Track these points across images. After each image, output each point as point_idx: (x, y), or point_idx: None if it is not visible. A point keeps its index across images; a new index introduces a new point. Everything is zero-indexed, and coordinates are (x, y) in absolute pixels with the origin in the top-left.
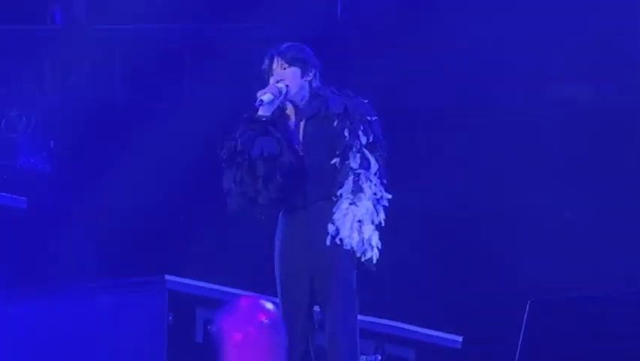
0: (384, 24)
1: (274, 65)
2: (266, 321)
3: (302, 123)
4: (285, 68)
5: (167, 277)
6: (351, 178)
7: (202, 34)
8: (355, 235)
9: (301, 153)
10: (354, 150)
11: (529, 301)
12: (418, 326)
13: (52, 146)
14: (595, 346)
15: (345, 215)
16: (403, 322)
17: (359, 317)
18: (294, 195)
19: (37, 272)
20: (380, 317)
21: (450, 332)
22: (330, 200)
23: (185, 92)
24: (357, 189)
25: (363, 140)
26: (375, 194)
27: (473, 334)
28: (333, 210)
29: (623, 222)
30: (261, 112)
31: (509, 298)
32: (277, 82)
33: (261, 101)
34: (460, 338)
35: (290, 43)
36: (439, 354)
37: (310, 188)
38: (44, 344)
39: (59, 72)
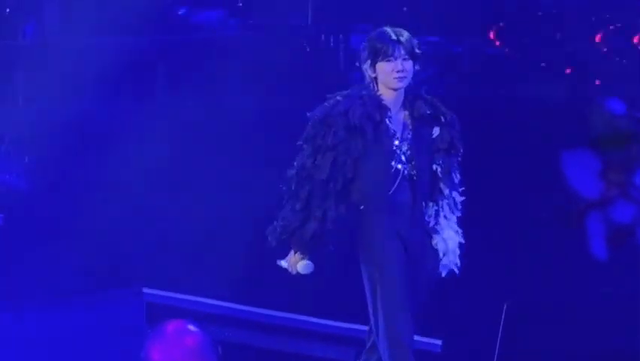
0: None
1: (397, 53)
2: (192, 345)
3: (408, 121)
4: (405, 60)
5: (144, 289)
6: (455, 194)
7: (174, 45)
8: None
9: (407, 152)
10: (457, 162)
11: (505, 304)
12: None
13: (26, 161)
14: (570, 347)
15: (452, 239)
16: None
17: (340, 324)
18: (402, 196)
19: (14, 287)
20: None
21: (430, 336)
22: (427, 201)
23: (159, 103)
24: (456, 208)
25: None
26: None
27: (453, 338)
28: (438, 224)
29: None
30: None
31: (487, 301)
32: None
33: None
34: (439, 342)
35: (408, 33)
36: (419, 358)
37: (417, 189)
38: (19, 359)
39: (32, 87)
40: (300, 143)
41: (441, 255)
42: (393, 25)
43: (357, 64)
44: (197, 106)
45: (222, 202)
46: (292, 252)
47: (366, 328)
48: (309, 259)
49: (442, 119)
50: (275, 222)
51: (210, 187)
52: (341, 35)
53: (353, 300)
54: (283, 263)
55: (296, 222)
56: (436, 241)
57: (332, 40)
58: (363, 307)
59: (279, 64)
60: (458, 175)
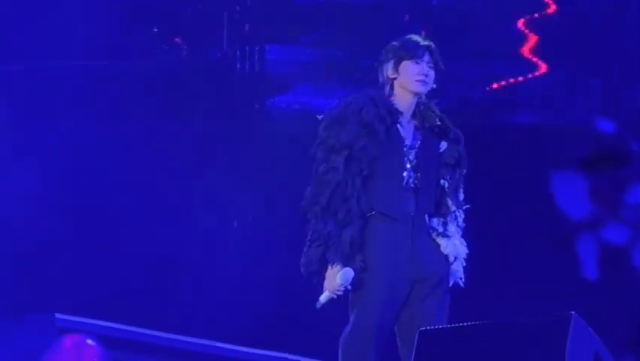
0: None
1: (425, 58)
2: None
3: (418, 131)
4: (430, 67)
5: (57, 315)
6: (460, 212)
7: (119, 70)
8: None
9: (413, 161)
10: (462, 180)
11: (418, 331)
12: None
13: None
14: None
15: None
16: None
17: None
18: (406, 205)
19: None
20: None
21: None
22: (431, 214)
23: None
24: (459, 226)
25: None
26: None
27: None
28: (447, 230)
29: None
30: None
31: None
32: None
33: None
34: None
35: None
36: None
37: (421, 199)
38: None
39: None
40: (313, 150)
41: (452, 258)
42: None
43: (376, 64)
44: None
45: (147, 233)
46: (330, 267)
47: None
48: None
49: (450, 135)
50: (305, 249)
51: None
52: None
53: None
54: (323, 297)
55: (330, 233)
56: (446, 245)
57: (247, 65)
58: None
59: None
60: (462, 194)
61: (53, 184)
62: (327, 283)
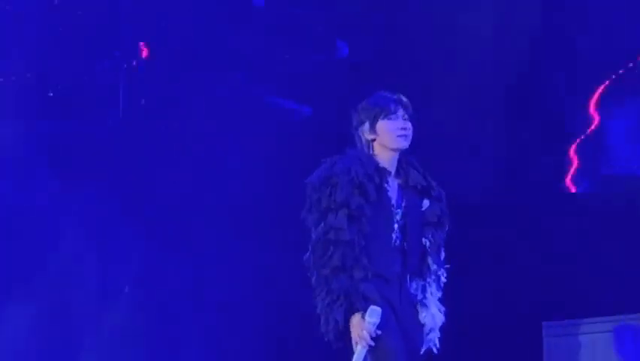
0: None
1: (399, 112)
2: None
3: (402, 191)
4: (406, 120)
5: None
6: (442, 271)
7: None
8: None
9: (400, 221)
10: (444, 239)
11: None
12: None
13: None
14: None
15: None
16: None
17: None
18: (394, 265)
19: None
20: None
21: None
22: (413, 276)
23: None
24: (440, 287)
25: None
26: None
27: None
28: (426, 298)
29: None
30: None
31: None
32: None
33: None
34: None
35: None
36: None
37: (407, 260)
38: None
39: None
40: (303, 215)
41: (427, 330)
42: None
43: (352, 129)
44: None
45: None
46: (355, 318)
47: None
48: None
49: (433, 193)
50: (323, 317)
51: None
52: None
53: None
54: (357, 356)
55: (349, 289)
56: (424, 315)
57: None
58: None
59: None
60: (443, 253)
61: None
62: (355, 334)
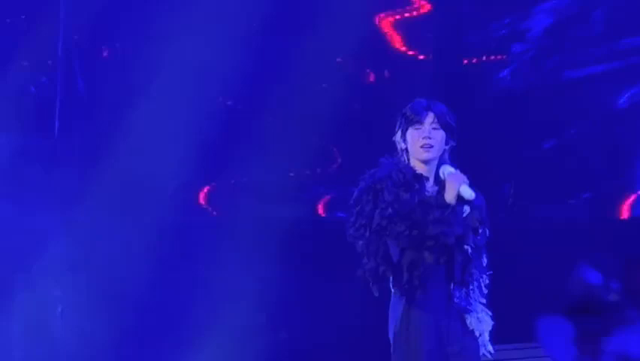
0: None
1: (426, 120)
2: None
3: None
4: (435, 128)
5: None
6: (485, 277)
7: None
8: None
9: None
10: (485, 245)
11: None
12: None
13: None
14: None
15: (486, 321)
16: None
17: None
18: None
19: None
20: None
21: None
22: (456, 282)
23: None
24: (482, 294)
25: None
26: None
27: None
28: (470, 305)
29: None
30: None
31: None
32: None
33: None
34: None
35: (444, 105)
36: None
37: (448, 268)
38: None
39: None
40: (349, 233)
41: (477, 334)
42: None
43: (394, 138)
44: None
45: None
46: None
47: None
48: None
49: (473, 200)
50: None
51: None
52: None
53: None
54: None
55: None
56: (470, 321)
57: None
58: None
59: None
60: (486, 259)
61: None
62: (452, 178)
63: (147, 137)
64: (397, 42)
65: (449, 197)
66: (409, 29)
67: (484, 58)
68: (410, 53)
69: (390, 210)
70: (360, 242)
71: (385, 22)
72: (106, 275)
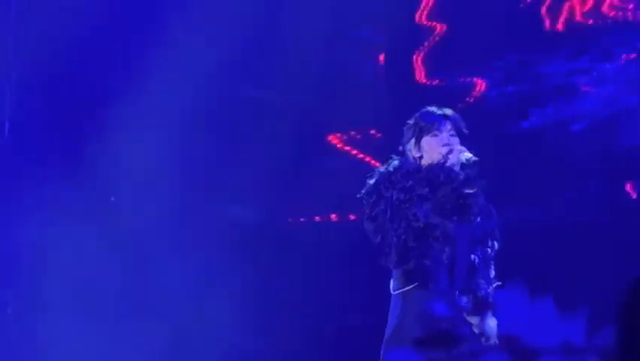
0: None
1: (444, 128)
2: None
3: None
4: (452, 135)
5: None
6: (490, 291)
7: None
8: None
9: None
10: (493, 257)
11: None
12: None
13: None
14: None
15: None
16: None
17: None
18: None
19: None
20: None
21: None
22: (462, 290)
23: None
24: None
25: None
26: None
27: None
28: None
29: None
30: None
31: None
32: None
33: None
34: None
35: (456, 113)
36: None
37: (454, 274)
38: None
39: None
40: (365, 225)
41: (483, 339)
42: None
43: (400, 147)
44: None
45: None
46: None
47: None
48: None
49: (483, 210)
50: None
51: None
52: None
53: None
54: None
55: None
56: (477, 324)
57: None
58: None
59: None
60: (493, 270)
61: None
62: None
63: (112, 138)
64: None
65: None
66: None
67: None
68: None
69: (410, 182)
70: (380, 235)
71: None
72: (61, 276)
